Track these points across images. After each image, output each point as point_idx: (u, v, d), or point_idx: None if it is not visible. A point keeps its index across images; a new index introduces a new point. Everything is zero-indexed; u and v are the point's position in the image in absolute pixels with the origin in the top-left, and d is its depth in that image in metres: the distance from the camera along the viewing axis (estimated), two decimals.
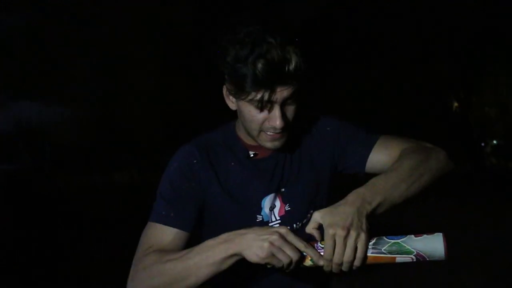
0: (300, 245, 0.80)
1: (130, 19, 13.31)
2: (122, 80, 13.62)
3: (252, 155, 1.05)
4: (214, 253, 0.84)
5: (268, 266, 0.81)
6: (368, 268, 0.83)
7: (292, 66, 0.88)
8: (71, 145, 12.90)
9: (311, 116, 1.13)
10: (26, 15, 13.14)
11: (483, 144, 15.80)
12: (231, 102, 1.00)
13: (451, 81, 15.16)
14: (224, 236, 0.86)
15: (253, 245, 0.80)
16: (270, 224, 1.04)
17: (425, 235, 0.79)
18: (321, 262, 0.80)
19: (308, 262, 0.81)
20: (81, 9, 13.18)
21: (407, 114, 13.90)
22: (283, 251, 0.79)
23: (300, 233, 1.04)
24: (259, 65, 0.85)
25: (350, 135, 1.10)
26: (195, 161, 1.00)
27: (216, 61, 0.94)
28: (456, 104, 15.95)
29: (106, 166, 12.80)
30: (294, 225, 1.05)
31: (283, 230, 0.81)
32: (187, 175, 0.99)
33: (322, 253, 0.80)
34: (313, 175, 1.09)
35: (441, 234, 0.78)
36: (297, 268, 0.81)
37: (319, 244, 0.81)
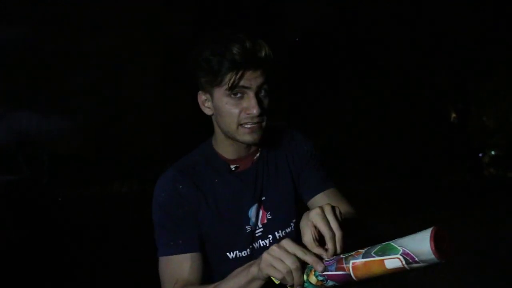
0: (300, 252, 0.79)
1: (129, 30, 13.40)
2: (121, 90, 13.66)
3: (234, 169, 1.07)
4: (239, 278, 0.86)
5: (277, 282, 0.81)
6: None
7: (263, 52, 0.95)
8: (69, 155, 12.89)
9: (291, 130, 1.19)
10: (24, 26, 13.20)
11: (481, 154, 15.83)
12: (207, 108, 1.04)
13: (450, 91, 15.24)
14: (251, 261, 0.88)
15: (260, 261, 0.82)
16: (255, 232, 1.07)
17: (417, 232, 0.69)
18: (319, 267, 0.78)
19: (313, 279, 0.79)
20: (80, 20, 13.27)
21: (405, 124, 13.94)
22: (281, 260, 0.78)
23: None
24: (235, 50, 0.92)
25: (315, 165, 1.16)
26: (180, 186, 1.03)
27: (191, 65, 1.00)
28: (454, 114, 16.01)
29: (105, 176, 12.77)
30: (276, 234, 1.08)
31: (284, 241, 0.81)
32: (178, 201, 1.02)
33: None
34: (292, 183, 1.12)
35: (431, 229, 0.66)
36: (303, 285, 0.80)
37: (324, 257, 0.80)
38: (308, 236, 0.81)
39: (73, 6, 13.03)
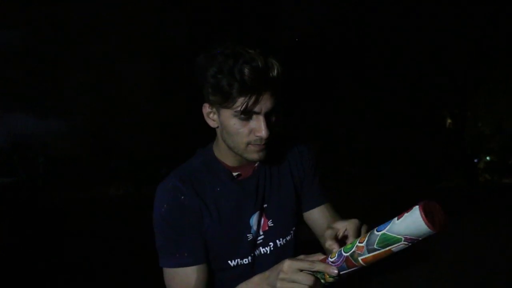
0: (307, 266, 0.81)
1: (125, 33, 13.40)
2: (117, 93, 13.65)
3: (236, 176, 1.06)
4: None
5: None
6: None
7: (275, 72, 0.91)
8: (66, 158, 12.85)
9: (295, 138, 1.18)
10: (21, 29, 13.19)
11: (476, 160, 15.87)
12: (212, 121, 1.01)
13: (445, 97, 15.28)
14: (256, 279, 0.90)
15: None
16: (256, 240, 1.07)
17: (405, 214, 0.73)
18: (333, 272, 0.81)
19: (329, 278, 0.82)
20: (77, 25, 13.27)
21: (401, 129, 13.96)
22: (297, 282, 0.81)
23: (285, 250, 1.07)
24: (246, 71, 0.88)
25: (316, 177, 1.16)
26: (182, 196, 1.01)
27: (197, 79, 0.96)
28: (450, 120, 16.06)
29: (101, 179, 12.73)
30: (277, 241, 1.08)
31: (286, 263, 0.82)
32: (181, 212, 1.00)
33: (331, 264, 0.82)
34: (293, 190, 1.12)
35: (417, 207, 0.71)
36: (326, 285, 0.84)
37: (329, 259, 0.83)
38: (333, 231, 0.88)
39: (69, 9, 13.03)
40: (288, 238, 1.09)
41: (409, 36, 13.38)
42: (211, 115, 1.00)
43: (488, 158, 16.27)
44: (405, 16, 13.22)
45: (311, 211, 1.14)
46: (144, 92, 13.86)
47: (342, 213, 1.14)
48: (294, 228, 1.11)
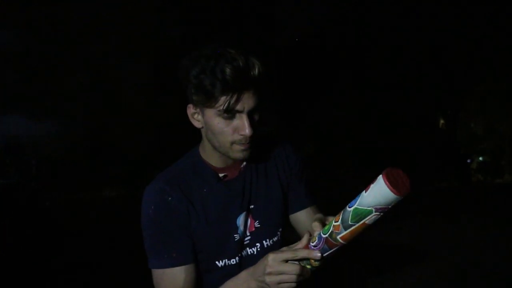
0: (291, 256, 0.85)
1: (120, 35, 13.29)
2: (111, 95, 13.55)
3: (222, 177, 1.07)
4: None
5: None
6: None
7: (256, 71, 0.94)
8: (59, 160, 12.74)
9: (282, 140, 1.19)
10: (13, 29, 13.07)
11: (469, 161, 15.96)
12: (197, 121, 1.02)
13: (439, 98, 15.35)
14: (243, 275, 0.93)
15: (264, 285, 0.87)
16: (243, 240, 1.08)
17: (371, 186, 0.77)
18: (316, 255, 0.84)
19: (314, 263, 0.85)
20: (70, 25, 13.15)
21: (393, 130, 13.99)
22: (284, 273, 0.84)
23: (272, 251, 1.09)
24: (227, 71, 0.90)
25: (302, 179, 1.18)
26: (169, 198, 1.02)
27: (181, 79, 0.97)
28: (443, 121, 16.14)
29: (94, 181, 12.64)
30: (264, 242, 1.09)
31: (270, 257, 0.86)
32: (169, 214, 1.01)
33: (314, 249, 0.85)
34: (280, 192, 1.14)
35: (381, 176, 0.74)
36: (315, 271, 0.87)
37: (311, 243, 0.86)
38: (324, 218, 0.93)
39: (62, 10, 12.91)
40: (275, 239, 1.10)
41: (405, 37, 13.42)
42: (195, 115, 1.02)
43: (481, 158, 16.37)
44: (405, 16, 13.23)
45: (297, 213, 1.15)
46: (142, 93, 13.75)
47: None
48: (281, 229, 1.12)
